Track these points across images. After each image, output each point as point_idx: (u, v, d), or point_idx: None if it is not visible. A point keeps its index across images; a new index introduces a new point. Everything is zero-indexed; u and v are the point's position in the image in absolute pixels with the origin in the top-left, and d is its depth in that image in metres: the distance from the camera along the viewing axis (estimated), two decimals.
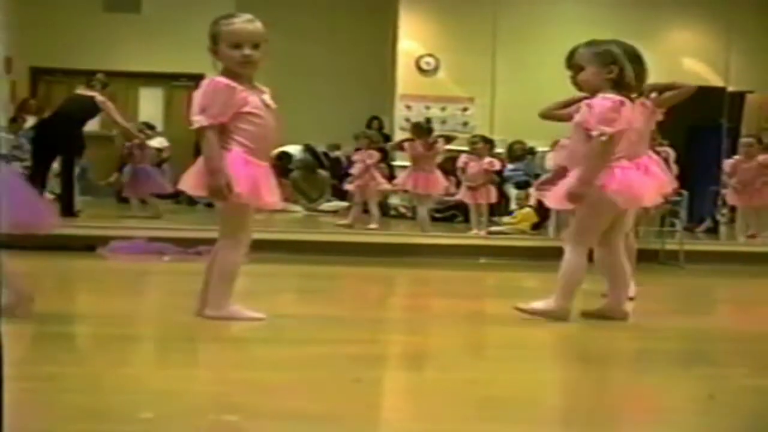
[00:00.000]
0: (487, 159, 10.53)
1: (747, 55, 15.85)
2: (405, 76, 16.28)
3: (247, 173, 4.42)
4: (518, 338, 4.74)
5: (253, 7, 14.13)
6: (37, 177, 10.00)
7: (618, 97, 4.74)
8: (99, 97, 11.15)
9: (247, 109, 4.42)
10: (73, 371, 3.48)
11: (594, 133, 4.70)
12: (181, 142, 16.08)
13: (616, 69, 4.79)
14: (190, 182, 4.54)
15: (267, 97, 4.53)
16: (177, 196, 14.59)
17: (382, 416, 3.13)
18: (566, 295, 4.83)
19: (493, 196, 10.79)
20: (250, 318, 4.53)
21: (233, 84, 4.40)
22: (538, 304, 4.85)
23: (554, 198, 5.19)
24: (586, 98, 6.08)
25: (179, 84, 16.71)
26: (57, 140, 10.82)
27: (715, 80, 16.08)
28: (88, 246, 7.99)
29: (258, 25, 4.52)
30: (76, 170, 11.32)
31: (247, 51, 4.44)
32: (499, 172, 11.72)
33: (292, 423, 2.78)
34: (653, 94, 5.91)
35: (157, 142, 15.97)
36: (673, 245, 8.92)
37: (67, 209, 10.12)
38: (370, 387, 3.54)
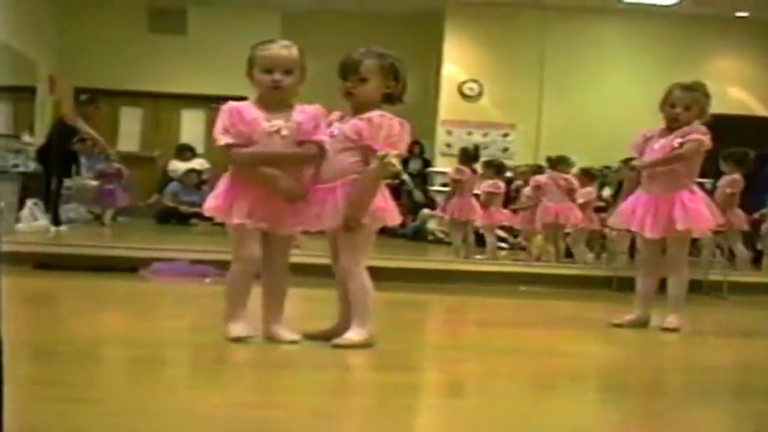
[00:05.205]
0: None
1: None
2: (447, 102, 16.32)
3: (226, 191, 4.55)
4: (561, 368, 4.69)
5: (297, 31, 14.18)
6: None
7: (398, 118, 4.55)
8: (67, 115, 12.07)
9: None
10: (115, 395, 3.47)
11: (380, 153, 4.49)
12: (221, 164, 16.14)
13: (397, 84, 4.63)
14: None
15: (282, 123, 4.53)
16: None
17: None
18: (369, 321, 4.57)
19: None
20: (238, 337, 4.51)
21: (241, 108, 4.55)
22: (351, 336, 4.54)
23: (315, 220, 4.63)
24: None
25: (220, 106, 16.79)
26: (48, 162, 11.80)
27: (759, 109, 16.03)
28: (130, 267, 8.02)
29: (293, 51, 4.57)
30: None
31: (277, 76, 4.50)
32: None
33: None
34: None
35: (197, 164, 16.07)
36: (717, 276, 8.83)
37: (55, 220, 11.33)
38: (420, 415, 3.51)
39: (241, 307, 4.59)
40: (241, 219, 4.48)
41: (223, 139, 4.52)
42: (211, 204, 4.59)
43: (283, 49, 4.57)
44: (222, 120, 4.55)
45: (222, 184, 4.62)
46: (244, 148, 4.52)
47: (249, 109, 4.56)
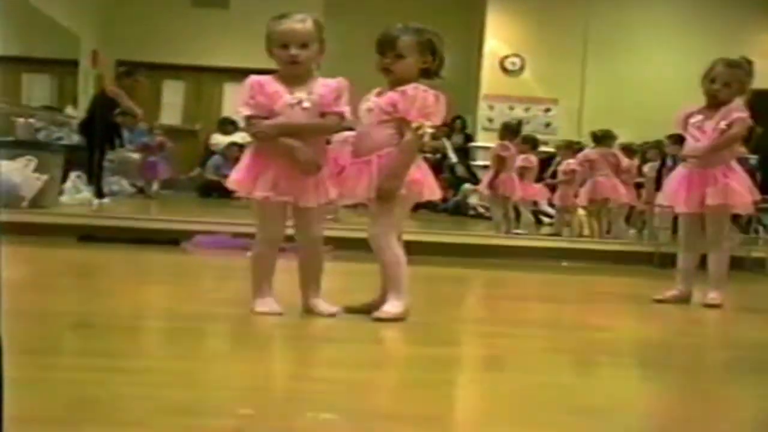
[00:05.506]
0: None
1: None
2: (489, 76, 16.25)
3: (249, 165, 4.55)
4: (601, 343, 4.68)
5: (340, 6, 14.11)
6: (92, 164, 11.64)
7: (433, 91, 4.56)
8: (109, 88, 12.28)
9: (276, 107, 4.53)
10: (162, 365, 3.50)
11: (414, 124, 4.49)
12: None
13: (434, 60, 4.62)
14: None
15: (303, 95, 4.53)
16: None
17: (477, 420, 3.06)
18: (403, 292, 4.55)
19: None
20: (263, 312, 4.54)
21: (262, 81, 4.55)
22: (389, 308, 4.52)
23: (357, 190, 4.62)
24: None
25: None
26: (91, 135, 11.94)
27: None
28: (172, 240, 8.07)
29: (308, 25, 4.55)
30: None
31: (293, 51, 4.50)
32: None
33: (394, 424, 2.74)
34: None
35: (239, 137, 16.11)
36: (759, 253, 8.78)
37: (99, 193, 11.45)
38: (458, 389, 3.52)
39: (266, 282, 4.61)
40: (265, 192, 4.49)
41: (243, 111, 4.54)
42: (233, 177, 4.60)
43: (298, 23, 4.55)
44: (243, 93, 4.57)
45: (245, 157, 4.63)
46: (265, 121, 4.53)
47: (270, 82, 4.56)
